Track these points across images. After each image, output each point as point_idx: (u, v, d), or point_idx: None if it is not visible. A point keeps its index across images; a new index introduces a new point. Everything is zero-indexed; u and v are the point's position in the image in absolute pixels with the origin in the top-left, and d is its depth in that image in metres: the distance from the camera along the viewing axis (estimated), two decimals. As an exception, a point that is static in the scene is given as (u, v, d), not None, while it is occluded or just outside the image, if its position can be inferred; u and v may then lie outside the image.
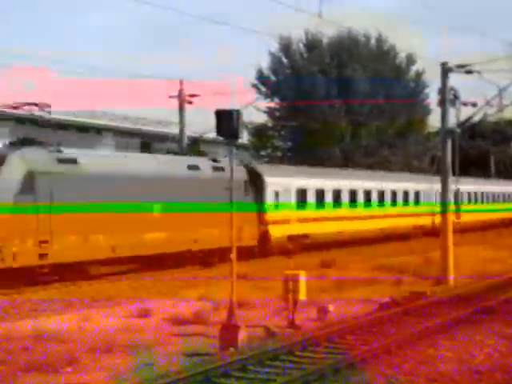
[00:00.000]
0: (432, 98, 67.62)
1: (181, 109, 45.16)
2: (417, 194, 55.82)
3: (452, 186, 31.32)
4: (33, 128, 67.52)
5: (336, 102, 64.99)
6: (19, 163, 27.27)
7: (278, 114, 70.82)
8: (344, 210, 46.42)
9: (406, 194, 53.98)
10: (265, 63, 70.82)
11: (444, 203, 30.73)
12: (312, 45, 70.12)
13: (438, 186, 59.27)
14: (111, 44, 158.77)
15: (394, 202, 52.38)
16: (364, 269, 33.01)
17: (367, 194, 49.10)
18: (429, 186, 56.25)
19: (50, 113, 30.23)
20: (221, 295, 22.70)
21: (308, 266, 30.50)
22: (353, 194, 47.66)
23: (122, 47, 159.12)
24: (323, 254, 39.22)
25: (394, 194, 52.38)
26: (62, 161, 28.78)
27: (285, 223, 40.14)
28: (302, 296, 19.77)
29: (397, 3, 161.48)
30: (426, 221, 55.19)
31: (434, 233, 53.02)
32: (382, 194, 50.85)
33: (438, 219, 55.23)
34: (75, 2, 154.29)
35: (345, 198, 46.86)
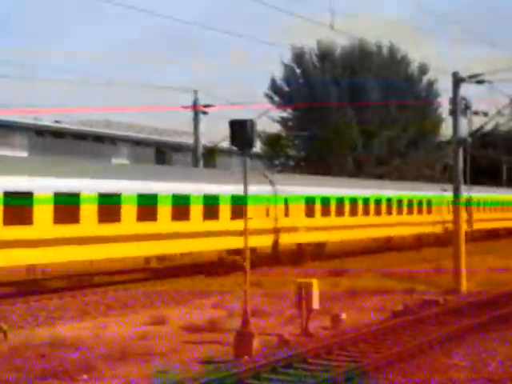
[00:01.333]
0: (444, 106, 67.67)
1: (195, 119, 45.36)
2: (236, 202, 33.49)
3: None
4: (51, 139, 68.72)
5: (345, 104, 65.37)
6: None
7: (290, 123, 71.29)
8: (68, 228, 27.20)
9: (210, 202, 33.50)
10: (277, 73, 71.53)
11: (456, 211, 30.69)
12: (324, 55, 70.57)
13: (288, 189, 39.07)
14: (124, 53, 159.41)
15: (184, 214, 32.09)
16: (375, 277, 33.09)
17: (107, 206, 29.02)
18: (263, 188, 37.29)
19: None
20: (234, 303, 22.91)
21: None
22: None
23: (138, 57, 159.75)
24: None
25: (181, 201, 32.09)
26: None
27: None
28: (315, 304, 19.89)
29: (407, 13, 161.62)
30: (257, 242, 32.91)
31: (278, 260, 37.52)
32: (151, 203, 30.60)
33: (288, 238, 37.82)
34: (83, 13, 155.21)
35: (86, 208, 28.00)
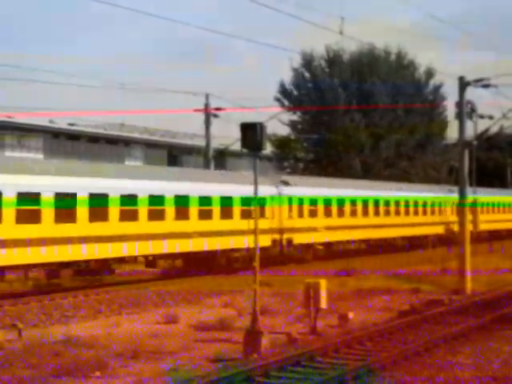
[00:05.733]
0: (450, 110, 67.92)
1: (206, 122, 45.80)
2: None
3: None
4: (65, 141, 69.21)
5: (353, 107, 65.72)
6: None
7: (300, 126, 71.72)
8: None
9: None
10: (287, 77, 72.03)
11: (461, 213, 30.91)
12: (333, 60, 71.02)
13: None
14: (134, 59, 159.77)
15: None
16: (381, 278, 33.35)
17: None
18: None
19: None
20: (244, 302, 23.20)
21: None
22: None
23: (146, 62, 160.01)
24: None
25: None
26: None
27: None
28: (323, 304, 20.18)
29: (413, 19, 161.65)
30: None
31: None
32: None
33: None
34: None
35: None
